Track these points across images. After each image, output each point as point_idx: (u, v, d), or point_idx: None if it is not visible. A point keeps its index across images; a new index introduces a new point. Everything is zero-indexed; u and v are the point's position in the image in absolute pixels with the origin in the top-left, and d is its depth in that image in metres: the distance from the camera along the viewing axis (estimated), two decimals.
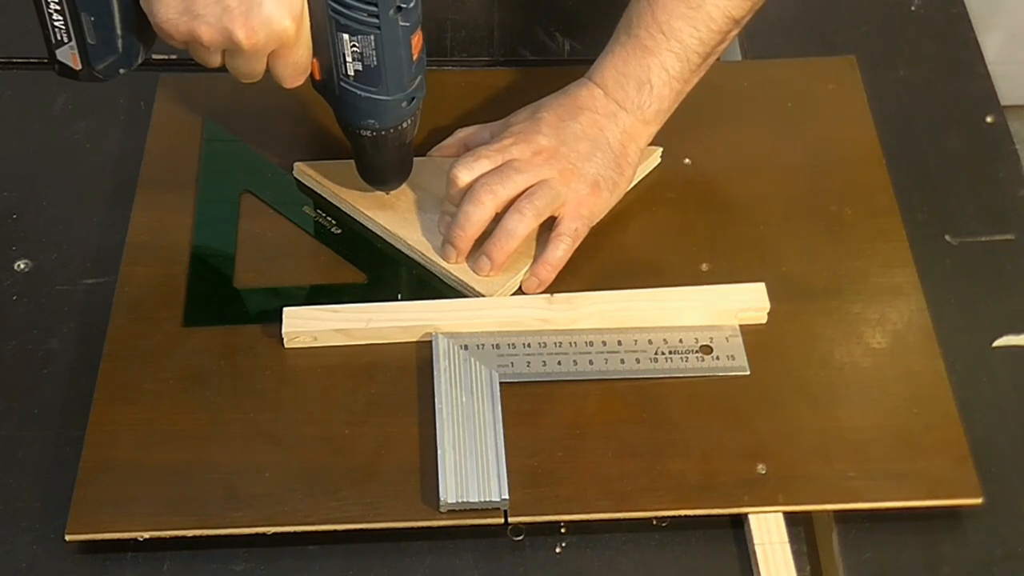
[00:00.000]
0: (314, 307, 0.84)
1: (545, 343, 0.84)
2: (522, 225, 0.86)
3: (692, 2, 0.88)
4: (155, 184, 0.93)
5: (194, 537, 0.76)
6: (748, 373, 0.83)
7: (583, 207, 0.88)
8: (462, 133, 0.93)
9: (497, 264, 0.86)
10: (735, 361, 0.83)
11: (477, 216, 0.86)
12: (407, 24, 0.79)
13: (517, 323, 0.84)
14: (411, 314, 0.85)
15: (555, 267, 0.87)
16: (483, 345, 0.84)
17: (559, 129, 0.89)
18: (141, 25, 0.79)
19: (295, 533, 0.76)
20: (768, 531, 0.77)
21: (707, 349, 0.84)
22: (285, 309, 0.84)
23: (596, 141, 0.89)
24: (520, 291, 0.87)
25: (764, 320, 0.85)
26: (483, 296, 0.86)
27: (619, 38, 0.90)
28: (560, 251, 0.87)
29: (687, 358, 0.84)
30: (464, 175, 0.87)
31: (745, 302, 0.85)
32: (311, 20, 0.79)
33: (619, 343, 0.84)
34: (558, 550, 0.77)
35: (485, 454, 0.78)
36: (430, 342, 0.84)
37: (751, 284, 0.86)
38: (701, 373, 0.83)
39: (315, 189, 0.93)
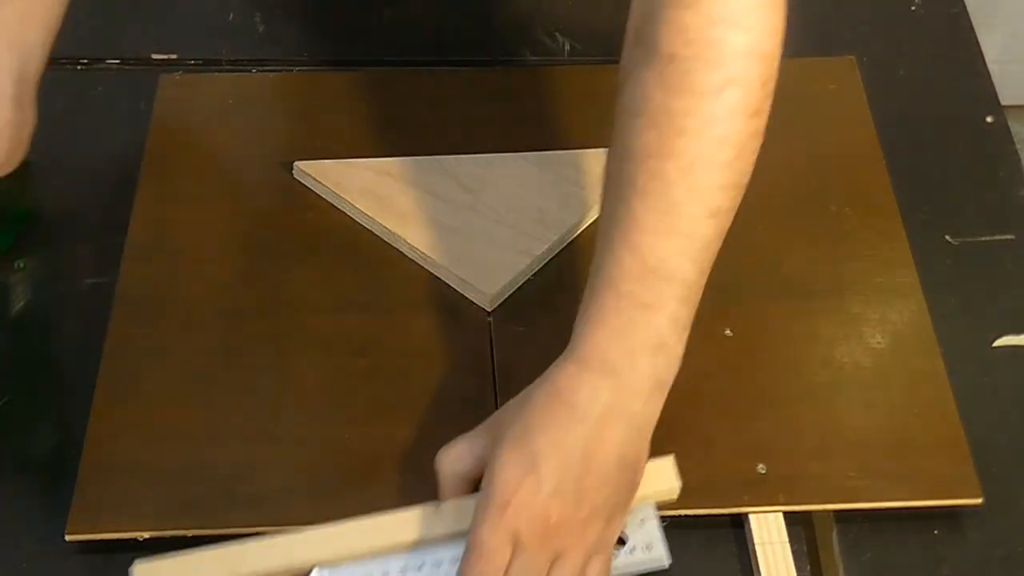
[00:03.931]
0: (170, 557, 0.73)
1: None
2: None
3: (681, 230, 0.70)
4: (155, 184, 0.93)
5: (194, 537, 0.76)
6: (666, 565, 0.73)
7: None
8: (448, 467, 0.74)
9: None
10: (652, 552, 0.73)
11: None
12: None
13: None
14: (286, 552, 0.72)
15: None
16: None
17: (573, 495, 0.69)
18: None
19: None
20: (768, 531, 0.77)
21: (619, 541, 0.72)
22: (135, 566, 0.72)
23: (608, 478, 0.70)
24: None
25: (675, 497, 0.75)
26: (484, 293, 0.86)
27: (604, 301, 0.71)
28: None
29: None
30: None
31: (649, 485, 0.73)
32: None
33: None
34: None
35: None
36: None
37: (657, 461, 0.74)
38: (617, 572, 0.73)
39: (315, 189, 0.93)
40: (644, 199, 0.70)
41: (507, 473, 0.69)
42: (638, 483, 0.72)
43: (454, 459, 0.73)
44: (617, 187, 0.72)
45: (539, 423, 0.70)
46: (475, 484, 0.72)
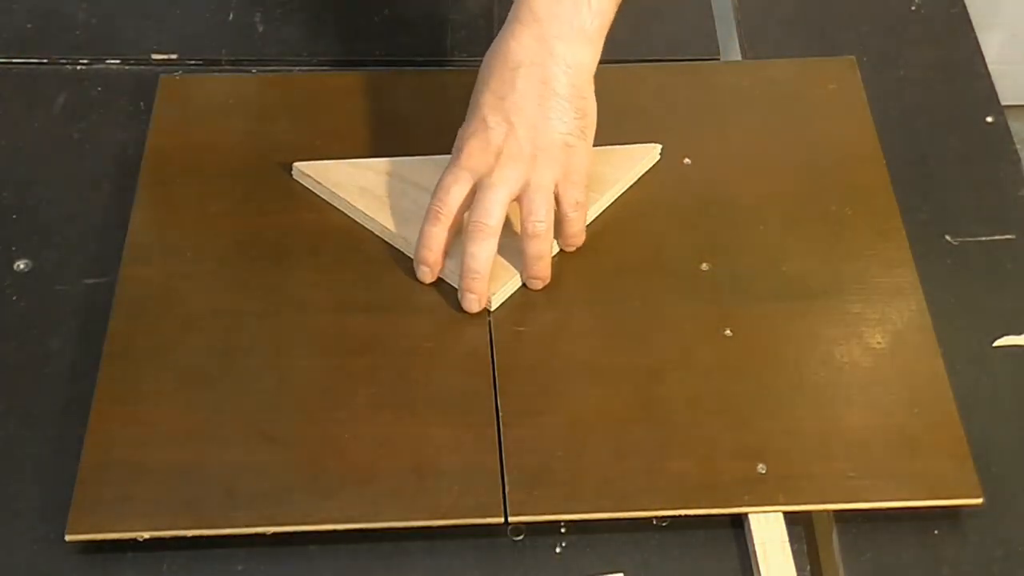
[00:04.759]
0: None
1: None
2: (547, 243, 0.85)
3: None
4: (155, 184, 0.93)
5: (194, 537, 0.76)
6: None
7: (570, 176, 0.86)
8: None
9: (547, 278, 0.87)
10: None
11: (485, 254, 0.84)
12: None
13: None
14: None
15: (579, 235, 0.88)
16: None
17: (503, 111, 0.84)
18: None
19: (295, 533, 0.76)
20: (768, 531, 0.77)
21: None
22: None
23: (545, 100, 0.84)
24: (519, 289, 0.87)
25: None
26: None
27: None
28: (576, 225, 0.87)
29: None
30: (441, 218, 0.85)
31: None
32: None
33: None
34: (558, 550, 0.77)
35: None
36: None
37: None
38: None
39: (314, 190, 0.93)
40: None
41: (468, 115, 0.86)
42: (586, 114, 0.85)
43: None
44: None
45: (483, 82, 0.85)
46: None
